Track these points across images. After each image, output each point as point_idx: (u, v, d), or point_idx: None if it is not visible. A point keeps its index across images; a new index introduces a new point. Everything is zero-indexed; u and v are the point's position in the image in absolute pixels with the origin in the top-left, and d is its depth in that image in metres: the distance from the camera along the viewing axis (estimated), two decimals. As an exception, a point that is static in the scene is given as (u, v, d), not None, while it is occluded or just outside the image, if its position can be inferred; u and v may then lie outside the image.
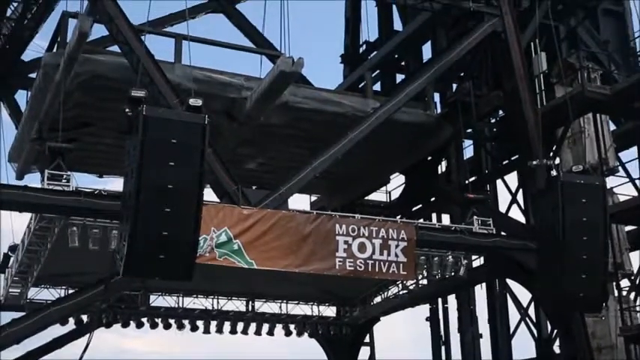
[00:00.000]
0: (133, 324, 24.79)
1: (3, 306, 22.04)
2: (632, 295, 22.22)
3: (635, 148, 23.60)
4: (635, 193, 22.36)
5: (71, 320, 22.52)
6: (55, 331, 22.41)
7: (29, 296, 22.38)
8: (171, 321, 25.38)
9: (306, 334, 27.48)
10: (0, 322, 16.85)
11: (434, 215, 25.26)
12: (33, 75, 20.40)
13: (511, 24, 21.77)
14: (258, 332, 26.50)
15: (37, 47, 20.86)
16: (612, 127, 22.81)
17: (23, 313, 17.26)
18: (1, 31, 20.14)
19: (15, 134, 20.94)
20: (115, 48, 18.93)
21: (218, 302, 25.98)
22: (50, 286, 22.47)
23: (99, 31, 18.96)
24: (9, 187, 17.11)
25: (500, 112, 23.49)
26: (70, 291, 20.78)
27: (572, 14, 23.31)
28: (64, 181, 16.43)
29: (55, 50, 19.03)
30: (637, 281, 22.43)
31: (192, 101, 15.08)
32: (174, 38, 20.06)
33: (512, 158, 23.29)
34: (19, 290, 22.06)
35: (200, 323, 25.76)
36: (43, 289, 22.52)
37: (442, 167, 24.78)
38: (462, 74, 23.95)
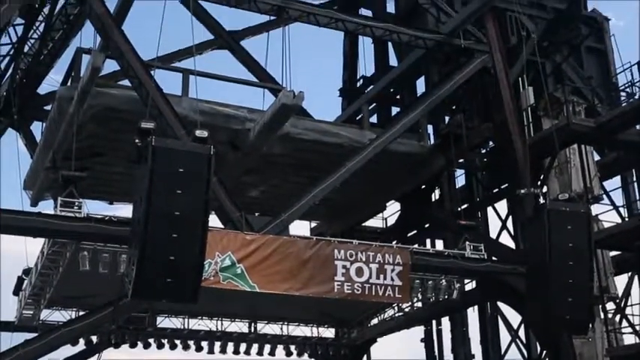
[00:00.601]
0: (140, 344, 24.63)
1: (17, 327, 21.97)
2: (618, 318, 22.13)
3: (618, 177, 23.67)
4: (619, 220, 22.36)
5: (81, 341, 22.41)
6: (66, 351, 22.36)
7: (42, 317, 22.21)
8: (177, 342, 25.31)
9: (306, 355, 27.31)
10: (14, 342, 16.71)
11: (428, 241, 25.25)
12: (48, 107, 20.48)
13: (500, 60, 21.92)
14: (260, 353, 26.39)
15: (52, 81, 20.98)
16: (597, 157, 22.81)
17: (36, 334, 17.16)
18: (19, 66, 20.22)
19: (30, 163, 20.98)
20: (126, 82, 19.04)
21: (222, 324, 25.90)
22: (62, 308, 22.38)
23: (111, 66, 19.08)
24: (24, 214, 17.10)
25: (491, 143, 23.54)
26: (81, 313, 20.67)
27: (558, 51, 23.40)
28: (76, 207, 16.42)
29: (69, 84, 19.17)
30: (622, 304, 22.34)
31: (198, 133, 15.10)
32: (181, 73, 20.16)
33: (502, 187, 23.34)
34: (32, 312, 21.94)
35: (205, 344, 25.65)
36: (55, 311, 22.44)
37: (435, 195, 24.84)
38: (453, 107, 24.04)
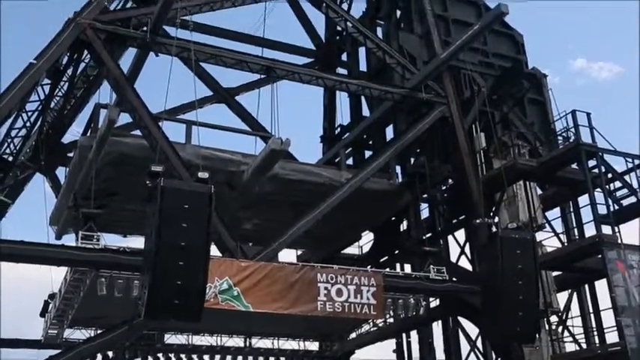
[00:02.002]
0: (150, 359, 24.47)
1: (43, 344, 21.78)
2: (560, 329, 22.16)
3: (557, 208, 23.83)
4: (559, 245, 22.49)
5: (99, 356, 22.21)
6: (86, 365, 22.10)
7: (65, 336, 22.16)
8: (182, 356, 25.13)
9: (295, 366, 27.22)
10: (40, 358, 16.53)
11: (398, 265, 25.19)
12: (70, 154, 20.44)
13: (456, 110, 22.17)
14: (255, 364, 26.28)
15: (74, 132, 21.01)
16: (539, 191, 22.97)
17: (59, 351, 16.96)
18: (46, 120, 20.21)
19: (55, 202, 20.90)
20: (138, 132, 19.06)
21: (221, 339, 25.81)
22: (82, 328, 22.21)
23: (124, 118, 19.13)
24: (50, 246, 17.08)
25: (450, 180, 23.63)
26: (99, 331, 20.44)
27: (504, 103, 23.74)
28: (94, 240, 16.42)
29: (88, 134, 19.16)
30: (563, 317, 22.39)
31: (200, 174, 15.14)
32: (185, 124, 20.19)
33: (460, 218, 23.36)
34: (56, 331, 21.82)
35: (206, 357, 25.47)
36: (77, 330, 22.30)
37: (404, 226, 24.82)
38: (418, 150, 24.19)
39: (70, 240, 20.36)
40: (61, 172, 21.40)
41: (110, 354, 23.01)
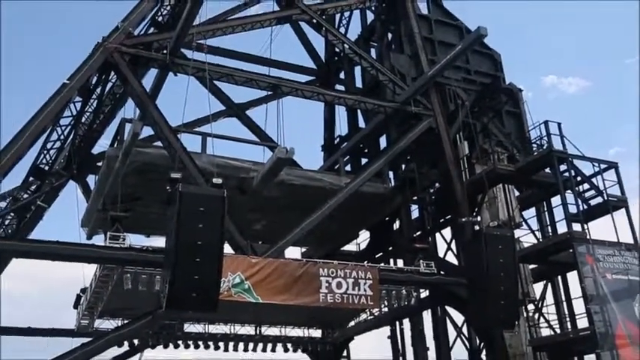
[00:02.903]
0: (171, 345, 24.47)
1: (76, 333, 21.78)
2: (536, 316, 22.17)
3: (533, 208, 23.83)
4: (535, 241, 22.48)
5: (126, 343, 22.22)
6: (113, 351, 22.10)
7: (95, 326, 22.10)
8: (200, 343, 25.13)
9: (299, 351, 27.14)
10: (73, 345, 16.53)
11: (391, 260, 25.12)
12: (99, 164, 20.46)
13: (442, 122, 22.23)
14: (264, 350, 26.23)
15: (102, 144, 21.01)
16: (517, 193, 22.99)
17: (90, 339, 16.96)
18: (78, 133, 20.27)
19: (86, 207, 20.92)
20: (159, 143, 19.11)
21: (234, 328, 25.82)
22: (110, 318, 22.17)
23: (147, 131, 19.17)
24: (82, 245, 17.10)
25: (437, 184, 23.63)
26: (125, 321, 20.46)
27: (485, 114, 23.74)
28: (121, 240, 16.45)
29: (115, 146, 19.20)
30: (539, 305, 22.38)
31: (214, 180, 15.19)
32: (201, 135, 20.25)
33: (447, 217, 23.36)
34: (87, 321, 21.81)
35: (221, 344, 25.45)
36: (105, 320, 22.24)
37: (396, 225, 24.81)
38: (408, 157, 24.13)
39: (99, 240, 20.41)
40: (91, 180, 21.42)
41: (135, 342, 23.02)
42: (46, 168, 19.95)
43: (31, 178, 19.91)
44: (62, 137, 20.02)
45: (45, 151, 19.83)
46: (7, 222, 19.79)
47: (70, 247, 16.00)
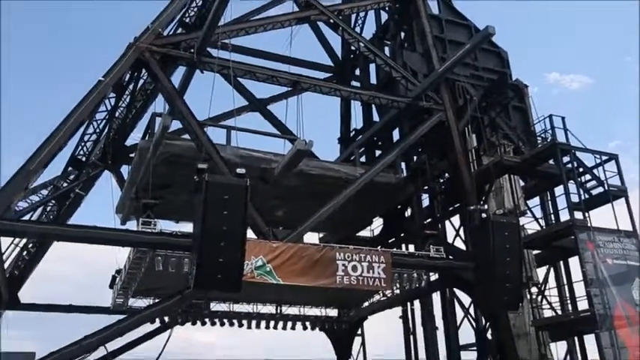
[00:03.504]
0: (199, 323, 24.74)
1: (111, 311, 22.05)
2: (539, 298, 22.02)
3: (537, 198, 23.61)
4: (539, 228, 22.31)
5: (157, 320, 22.42)
6: (146, 328, 22.33)
7: (129, 304, 22.40)
8: (225, 320, 25.36)
9: (317, 329, 27.29)
10: (110, 322, 16.70)
11: (403, 245, 25.11)
12: (132, 155, 20.62)
13: (451, 116, 22.04)
14: (284, 328, 26.49)
15: (135, 136, 21.18)
16: (522, 183, 22.80)
17: (125, 316, 17.14)
18: (112, 127, 20.45)
19: (120, 195, 21.10)
20: (187, 136, 19.20)
21: (257, 307, 25.99)
22: (143, 297, 22.46)
23: (176, 124, 19.24)
24: (117, 230, 17.28)
25: (447, 174, 23.49)
26: (156, 300, 20.67)
27: (492, 109, 23.51)
28: (152, 225, 16.54)
29: (146, 138, 19.30)
30: (542, 288, 22.22)
31: (238, 170, 15.24)
32: (225, 129, 20.29)
33: (455, 206, 23.23)
34: (122, 300, 22.13)
35: (245, 322, 25.68)
36: (138, 299, 22.56)
37: (408, 213, 24.82)
38: (419, 149, 24.05)
39: (132, 225, 20.59)
40: (124, 170, 21.62)
41: (166, 319, 23.23)
42: (84, 159, 20.20)
43: (70, 168, 20.20)
44: (98, 130, 20.25)
45: (82, 143, 20.08)
46: (48, 208, 20.08)
47: (106, 232, 16.16)
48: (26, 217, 18.85)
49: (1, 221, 15.24)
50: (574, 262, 20.72)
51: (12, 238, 18.74)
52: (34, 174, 16.39)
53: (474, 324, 23.07)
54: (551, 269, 22.70)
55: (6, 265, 18.79)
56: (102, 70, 17.99)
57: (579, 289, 20.35)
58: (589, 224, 19.69)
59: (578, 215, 19.83)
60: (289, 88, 22.25)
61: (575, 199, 20.08)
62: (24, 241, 19.62)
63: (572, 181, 20.43)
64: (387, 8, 26.57)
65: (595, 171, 21.05)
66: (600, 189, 20.75)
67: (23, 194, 17.44)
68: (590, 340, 19.59)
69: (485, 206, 20.82)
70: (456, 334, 23.15)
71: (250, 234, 16.55)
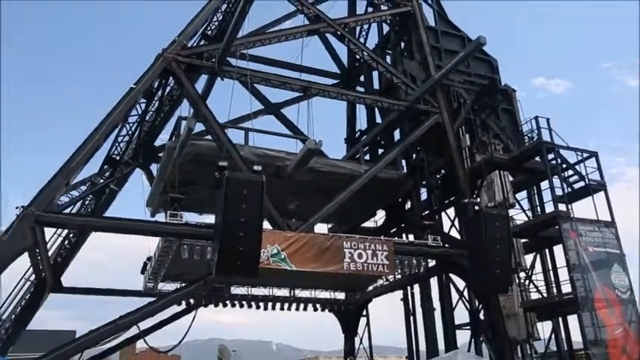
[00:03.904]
0: (220, 305, 24.77)
1: (143, 294, 22.16)
2: (527, 282, 22.05)
3: (525, 191, 23.59)
4: (526, 219, 22.30)
5: (183, 302, 22.55)
6: (174, 309, 22.46)
7: (159, 288, 22.46)
8: (244, 302, 25.32)
9: (327, 310, 27.35)
10: (141, 304, 16.88)
11: (404, 235, 25.15)
12: (160, 154, 20.75)
13: (447, 118, 22.06)
14: (297, 309, 26.42)
15: (163, 137, 21.32)
16: (511, 178, 22.77)
17: (155, 298, 17.33)
18: (143, 129, 20.58)
19: (150, 190, 21.24)
20: (209, 137, 19.30)
21: (272, 290, 25.96)
22: (171, 281, 22.51)
23: (199, 127, 19.36)
24: (147, 222, 17.47)
25: (443, 170, 23.49)
26: (183, 284, 20.81)
27: (483, 111, 23.48)
28: (178, 217, 16.70)
29: (173, 139, 19.44)
30: (529, 273, 22.25)
31: (255, 167, 15.37)
32: (244, 130, 20.43)
33: (451, 199, 23.24)
34: (152, 284, 22.17)
35: (262, 304, 25.67)
36: (167, 283, 22.59)
37: (408, 205, 24.80)
38: (418, 148, 24.03)
39: (160, 217, 20.74)
40: (153, 167, 21.74)
41: (191, 301, 23.31)
42: (118, 158, 20.34)
43: (105, 166, 20.33)
44: (130, 132, 20.37)
45: (116, 144, 20.22)
46: (86, 202, 20.27)
47: (138, 223, 16.37)
48: (67, 210, 19.04)
49: (46, 214, 15.46)
50: (558, 249, 20.73)
51: (55, 229, 18.97)
52: (74, 172, 16.59)
53: (467, 305, 23.12)
54: (538, 256, 22.71)
55: (50, 253, 19.00)
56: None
57: (563, 274, 20.37)
58: (572, 215, 19.73)
59: (562, 207, 19.86)
60: (300, 94, 22.30)
61: (559, 192, 20.11)
62: (65, 231, 19.82)
63: (556, 176, 20.44)
64: (388, 21, 26.57)
65: (577, 167, 21.08)
66: (582, 183, 20.77)
67: (65, 190, 17.62)
68: (572, 319, 19.66)
69: (478, 199, 20.85)
70: (451, 315, 23.22)
71: (266, 225, 16.66)
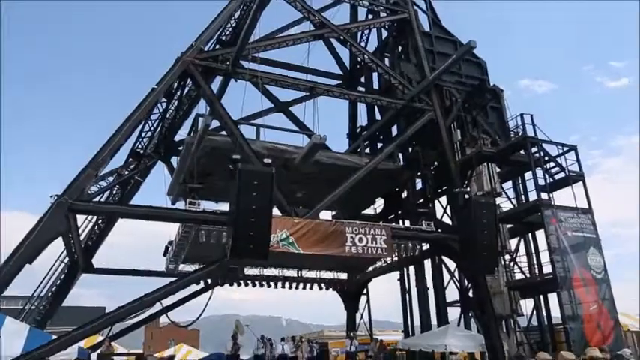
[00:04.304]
0: (235, 284, 24.95)
1: (165, 274, 22.30)
2: (512, 263, 22.08)
3: (510, 182, 23.56)
4: (511, 206, 22.29)
5: (202, 282, 22.67)
6: (193, 288, 22.56)
7: (179, 269, 22.60)
8: (256, 282, 25.49)
9: (331, 289, 27.48)
10: (163, 283, 17.01)
11: (401, 221, 25.19)
12: (180, 148, 20.84)
13: (440, 115, 22.02)
14: (304, 288, 26.61)
15: (182, 133, 21.41)
16: (498, 169, 22.73)
17: (176, 278, 17.45)
18: (164, 126, 20.66)
19: (170, 181, 21.34)
20: (224, 132, 19.35)
21: (282, 271, 26.07)
22: (190, 263, 22.62)
23: (215, 123, 19.40)
24: (169, 209, 17.57)
25: (436, 163, 23.47)
26: (201, 265, 20.95)
27: (474, 109, 23.39)
28: (196, 205, 16.77)
29: (191, 135, 19.50)
30: (514, 255, 22.27)
31: (265, 160, 15.40)
32: (255, 126, 20.45)
33: (444, 188, 23.24)
34: (173, 265, 22.33)
35: (272, 283, 25.82)
36: (187, 265, 22.69)
37: (404, 194, 24.81)
38: (414, 142, 24.03)
39: (180, 205, 20.86)
40: (174, 160, 21.83)
41: (209, 281, 23.40)
42: (141, 151, 20.48)
43: (130, 159, 20.46)
44: (152, 128, 20.49)
45: (140, 139, 20.35)
46: (114, 192, 20.42)
47: (161, 211, 16.47)
48: (96, 199, 19.19)
49: (78, 202, 15.58)
50: (540, 234, 20.74)
51: (86, 216, 19.13)
52: (102, 164, 16.68)
53: (458, 285, 23.21)
54: (522, 240, 22.72)
55: (81, 237, 19.18)
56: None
57: (544, 256, 20.41)
58: (553, 203, 19.74)
59: (544, 196, 19.85)
60: (307, 93, 22.33)
61: (541, 182, 20.11)
62: (95, 218, 20.00)
63: (539, 168, 20.42)
64: (386, 27, 26.46)
65: (558, 159, 21.03)
66: (562, 174, 20.76)
67: (94, 181, 17.75)
68: (552, 297, 19.69)
69: (468, 189, 20.87)
70: (443, 293, 23.32)
71: (275, 212, 16.71)
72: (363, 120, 28.28)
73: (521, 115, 21.48)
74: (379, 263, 25.10)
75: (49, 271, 19.18)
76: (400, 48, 26.11)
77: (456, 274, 23.24)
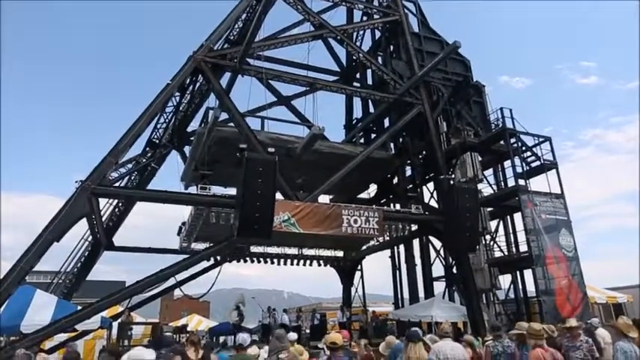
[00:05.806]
0: (242, 260, 25.00)
1: (179, 252, 22.37)
2: (492, 243, 22.21)
3: (491, 169, 23.59)
4: (492, 191, 22.36)
5: (212, 258, 22.76)
6: (204, 264, 22.62)
7: (192, 247, 22.64)
8: (261, 259, 25.55)
9: (328, 265, 27.61)
10: (177, 259, 17.06)
11: (392, 204, 25.27)
12: (192, 138, 20.79)
13: (428, 108, 21.92)
14: (304, 264, 26.71)
15: (194, 125, 21.32)
16: (480, 158, 22.76)
17: (188, 255, 17.51)
18: (177, 117, 20.58)
19: (183, 168, 21.32)
20: (232, 124, 19.29)
21: (284, 249, 26.13)
22: (201, 242, 22.66)
23: (224, 115, 19.33)
24: (182, 194, 17.56)
25: (424, 152, 23.47)
26: (211, 244, 20.98)
27: (458, 103, 23.35)
28: (207, 190, 16.74)
29: (202, 126, 19.43)
30: (494, 235, 22.39)
31: (269, 149, 15.38)
32: (260, 119, 20.39)
33: (431, 175, 23.27)
34: (186, 244, 22.33)
35: (275, 260, 25.90)
36: (198, 243, 22.74)
37: (395, 180, 24.84)
38: (404, 133, 23.99)
39: (192, 190, 20.85)
40: (186, 149, 21.79)
41: (218, 258, 23.49)
42: (157, 141, 20.40)
43: (147, 148, 20.40)
44: (167, 120, 20.40)
45: (156, 130, 20.27)
46: (132, 178, 20.41)
47: (175, 194, 16.46)
48: (117, 184, 19.19)
49: (100, 187, 15.60)
50: (517, 216, 20.88)
51: (107, 199, 19.14)
52: (121, 153, 16.65)
53: (443, 262, 23.39)
54: (501, 221, 22.84)
55: (103, 219, 19.22)
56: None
57: (521, 237, 20.53)
58: (529, 189, 19.78)
59: (521, 182, 19.89)
60: (307, 88, 22.19)
61: (519, 170, 20.15)
62: (116, 201, 20.01)
63: (517, 157, 20.42)
64: (379, 28, 26.26)
65: (534, 149, 21.05)
66: (538, 162, 20.78)
67: (114, 167, 17.73)
68: (528, 273, 19.86)
69: (453, 175, 20.89)
70: (430, 269, 23.51)
71: (278, 196, 16.73)
72: (358, 112, 28.26)
73: (501, 108, 21.50)
74: (372, 242, 25.13)
75: (73, 250, 19.24)
76: (392, 47, 25.94)
77: (442, 252, 23.39)
